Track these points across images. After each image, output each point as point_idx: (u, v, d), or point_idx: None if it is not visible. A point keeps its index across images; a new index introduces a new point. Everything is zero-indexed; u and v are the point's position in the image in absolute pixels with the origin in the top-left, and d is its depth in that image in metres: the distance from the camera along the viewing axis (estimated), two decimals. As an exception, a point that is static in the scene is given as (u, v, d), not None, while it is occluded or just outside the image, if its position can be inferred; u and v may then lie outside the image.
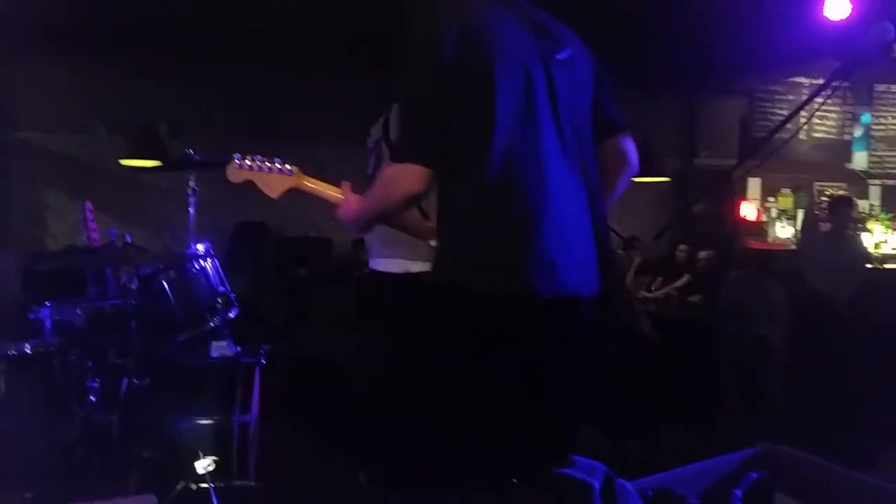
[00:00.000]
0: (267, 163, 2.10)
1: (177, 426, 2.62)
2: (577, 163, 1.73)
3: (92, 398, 2.73)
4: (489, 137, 1.60)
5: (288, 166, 2.12)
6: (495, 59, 1.62)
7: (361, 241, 5.87)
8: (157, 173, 5.80)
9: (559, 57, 1.75)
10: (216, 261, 3.17)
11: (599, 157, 1.89)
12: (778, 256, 6.40)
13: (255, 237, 6.18)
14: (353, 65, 6.01)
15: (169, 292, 2.88)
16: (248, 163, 2.10)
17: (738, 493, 1.04)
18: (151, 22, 5.29)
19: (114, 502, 1.64)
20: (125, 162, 5.36)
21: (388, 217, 1.88)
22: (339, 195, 2.06)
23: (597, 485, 0.95)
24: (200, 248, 3.16)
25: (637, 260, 6.15)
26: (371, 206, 1.81)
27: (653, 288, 6.09)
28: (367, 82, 5.98)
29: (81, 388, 2.70)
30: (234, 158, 2.11)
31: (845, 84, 7.65)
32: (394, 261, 2.74)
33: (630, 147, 1.94)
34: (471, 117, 1.62)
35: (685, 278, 5.93)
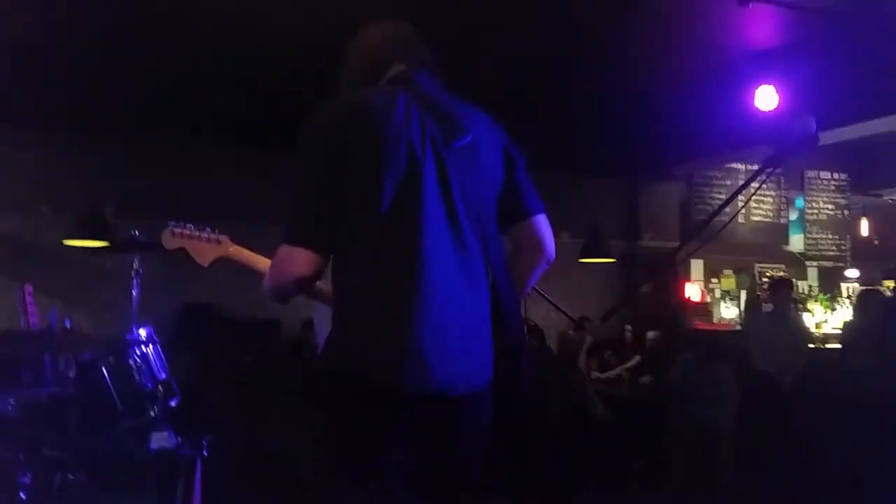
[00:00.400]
0: (198, 231, 2.16)
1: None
2: (474, 252, 1.69)
3: (22, 495, 2.57)
4: (371, 226, 1.59)
5: (217, 235, 2.17)
6: (383, 147, 1.61)
7: (311, 322, 5.80)
8: (103, 254, 5.69)
9: (457, 145, 1.71)
10: (157, 346, 3.09)
11: (512, 242, 1.86)
12: (724, 337, 6.52)
13: (201, 320, 6.06)
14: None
15: (108, 380, 2.78)
16: (182, 230, 2.16)
17: None
18: (99, 99, 5.28)
19: None
20: (69, 242, 5.25)
21: (289, 295, 1.79)
22: (264, 264, 2.05)
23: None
24: (142, 332, 3.07)
25: (589, 340, 6.21)
26: (269, 285, 1.74)
27: (604, 368, 6.13)
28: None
29: (12, 485, 2.54)
30: (168, 226, 2.16)
31: (778, 170, 8.05)
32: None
33: (544, 229, 1.86)
34: (353, 205, 1.60)
35: (636, 359, 5.99)
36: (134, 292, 3.40)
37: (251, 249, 2.19)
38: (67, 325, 2.90)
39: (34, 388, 3.01)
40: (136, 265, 3.41)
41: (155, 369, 2.97)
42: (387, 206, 1.59)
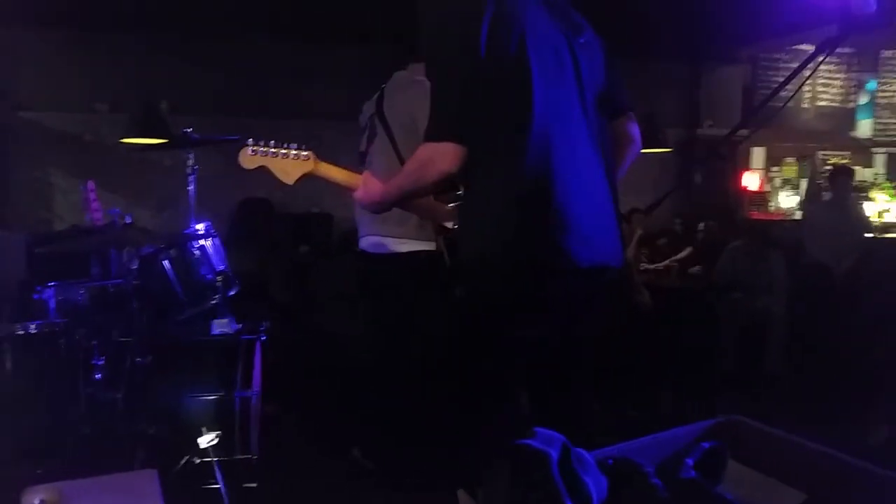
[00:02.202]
0: (282, 149, 2.09)
1: (180, 402, 2.68)
2: (598, 139, 1.80)
3: (97, 376, 2.78)
4: (526, 116, 1.63)
5: (304, 152, 2.10)
6: (528, 39, 1.65)
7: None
8: (161, 151, 5.84)
9: (581, 41, 1.83)
10: (217, 239, 3.21)
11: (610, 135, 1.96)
12: (780, 227, 6.38)
13: (258, 215, 6.22)
14: (350, 41, 5.99)
15: (170, 272, 2.93)
16: (263, 148, 2.09)
17: (690, 461, 1.09)
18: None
19: (115, 477, 1.70)
20: (127, 140, 5.39)
21: (416, 196, 1.91)
22: (354, 180, 2.08)
23: (555, 454, 1.00)
24: (200, 227, 3.19)
25: (638, 232, 6.16)
26: (404, 185, 1.81)
27: (654, 260, 6.11)
28: (361, 59, 6.00)
29: (87, 367, 2.75)
30: (247, 144, 2.10)
31: (850, 51, 7.59)
32: (384, 239, 2.78)
33: (634, 128, 2.03)
34: (506, 97, 1.65)
35: (687, 250, 5.94)
36: (190, 188, 3.50)
37: (310, 149, 2.13)
38: (128, 220, 3.03)
39: (101, 280, 3.18)
40: (190, 162, 3.49)
41: (214, 261, 3.10)
42: (539, 93, 1.65)
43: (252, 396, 2.77)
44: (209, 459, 2.57)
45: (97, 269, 3.42)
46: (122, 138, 5.43)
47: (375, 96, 2.91)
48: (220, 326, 3.00)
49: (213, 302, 3.04)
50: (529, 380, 1.89)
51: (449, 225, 2.21)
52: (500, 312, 1.71)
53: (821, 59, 2.16)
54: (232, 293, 3.19)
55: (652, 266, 5.95)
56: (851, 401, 3.87)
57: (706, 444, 1.12)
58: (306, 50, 6.38)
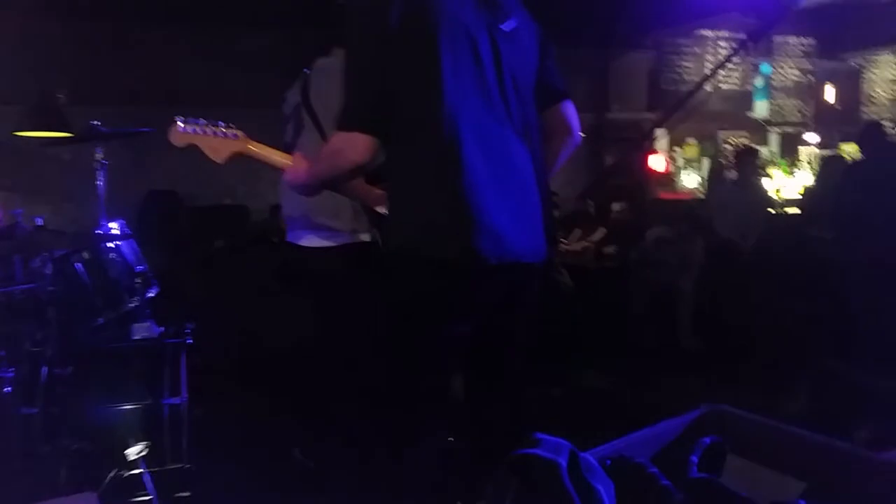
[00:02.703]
0: (211, 126, 2.06)
1: (104, 414, 2.54)
2: (521, 130, 1.76)
3: (7, 389, 2.60)
4: (435, 105, 1.60)
5: (234, 130, 2.07)
6: (440, 27, 1.61)
7: (279, 207, 5.75)
8: (59, 145, 5.50)
9: (504, 27, 1.76)
10: (131, 239, 3.06)
11: (543, 125, 1.91)
12: (688, 206, 6.64)
13: (167, 208, 5.97)
14: (266, 26, 5.80)
15: (84, 275, 2.77)
16: (192, 126, 2.06)
17: (694, 458, 1.09)
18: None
19: (50, 503, 1.59)
20: (20, 133, 5.03)
21: (336, 185, 1.88)
22: (285, 160, 2.05)
23: (564, 462, 0.98)
24: (114, 226, 3.03)
25: (555, 214, 6.28)
26: (318, 174, 1.80)
27: (570, 240, 6.24)
28: (278, 44, 5.82)
29: (-4, 381, 2.57)
30: (176, 121, 2.05)
31: (744, 37, 7.96)
32: (317, 231, 2.71)
33: (571, 114, 1.97)
34: (416, 86, 1.62)
35: (601, 232, 6.10)
36: (100, 184, 3.31)
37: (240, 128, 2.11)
38: (39, 222, 2.84)
39: (5, 286, 2.97)
40: (99, 157, 3.30)
41: (131, 261, 2.96)
42: (449, 84, 1.60)
43: (181, 403, 2.65)
44: (139, 471, 2.45)
45: (1, 274, 3.19)
46: (15, 131, 5.07)
47: (299, 84, 2.80)
48: (142, 331, 2.86)
49: (132, 305, 2.90)
50: (456, 373, 1.88)
51: (382, 211, 2.19)
52: (416, 308, 1.70)
53: (748, 46, 2.23)
54: (151, 295, 3.05)
55: (569, 247, 6.08)
56: (763, 370, 4.08)
57: (707, 440, 1.12)
58: (217, 36, 6.14)
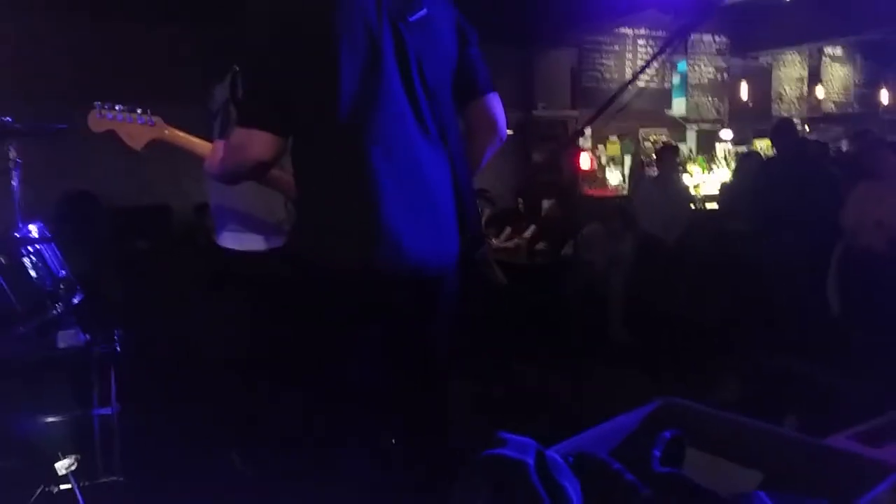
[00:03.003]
0: (129, 112, 2.06)
1: (30, 427, 2.41)
2: (434, 127, 1.68)
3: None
4: (332, 105, 1.54)
5: (150, 117, 2.08)
6: (338, 23, 1.54)
7: (206, 206, 5.58)
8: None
9: (412, 19, 1.66)
10: (51, 242, 2.90)
11: (465, 120, 1.85)
12: (617, 202, 6.80)
13: (84, 208, 5.69)
14: (186, 18, 5.62)
15: (2, 281, 2.61)
16: (110, 112, 2.06)
17: (657, 452, 1.11)
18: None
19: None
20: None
21: (241, 179, 1.80)
22: (204, 147, 2.04)
23: (531, 462, 0.98)
24: (33, 228, 2.87)
25: (486, 212, 6.33)
26: (225, 168, 1.72)
27: (502, 238, 6.31)
28: (197, 39, 5.63)
29: None
30: (94, 106, 2.06)
31: (663, 34, 8.21)
32: (245, 234, 2.65)
33: (496, 108, 1.86)
34: (314, 84, 1.56)
35: (531, 229, 6.19)
36: (14, 184, 3.13)
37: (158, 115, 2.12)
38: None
39: None
40: (12, 155, 3.12)
41: (52, 266, 2.80)
42: (347, 84, 1.54)
43: (112, 413, 2.54)
44: (69, 486, 2.33)
45: None
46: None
47: (228, 80, 2.74)
48: (67, 339, 2.72)
49: (56, 312, 2.76)
50: (378, 381, 1.83)
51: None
52: (319, 312, 1.66)
53: (673, 43, 2.24)
54: (76, 301, 2.90)
55: (502, 244, 6.14)
56: (692, 361, 4.23)
57: (668, 434, 1.14)
58: (133, 29, 5.90)
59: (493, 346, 4.42)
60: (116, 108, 2.07)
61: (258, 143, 1.57)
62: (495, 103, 1.87)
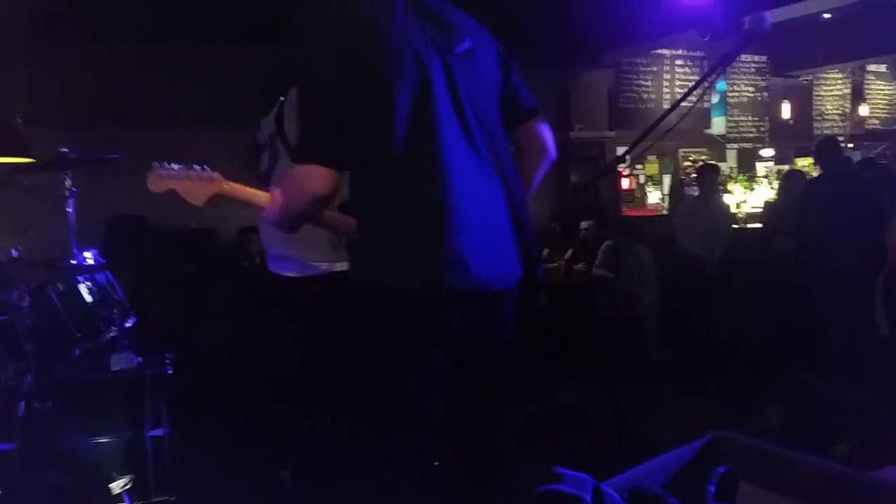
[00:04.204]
0: (187, 170, 2.08)
1: (85, 447, 2.48)
2: (487, 154, 1.72)
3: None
4: (389, 138, 1.59)
5: (208, 172, 2.09)
6: (389, 57, 1.59)
7: (250, 229, 5.70)
8: (25, 172, 5.35)
9: (457, 50, 1.72)
10: (106, 268, 3.01)
11: (515, 144, 1.90)
12: (651, 221, 6.78)
13: (132, 233, 5.85)
14: (228, 42, 5.76)
15: (59, 306, 2.71)
16: (168, 171, 2.09)
17: (711, 487, 1.11)
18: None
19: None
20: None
21: (306, 218, 1.86)
22: (262, 198, 2.06)
23: (588, 497, 0.99)
24: (88, 255, 2.98)
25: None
26: (286, 208, 1.77)
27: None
28: (244, 61, 5.77)
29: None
30: (154, 167, 2.08)
31: (700, 55, 8.17)
32: (293, 262, 2.70)
33: (544, 131, 1.93)
34: (369, 117, 1.60)
35: (568, 252, 6.19)
36: (70, 212, 3.24)
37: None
38: (14, 254, 2.76)
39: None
40: (68, 184, 3.24)
41: (106, 291, 2.91)
42: (402, 115, 1.59)
43: (164, 434, 2.61)
44: (123, 505, 2.40)
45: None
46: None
47: (274, 112, 2.80)
48: (120, 361, 2.81)
49: (110, 336, 2.85)
50: (436, 401, 1.87)
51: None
52: (386, 336, 1.69)
53: (718, 69, 2.24)
54: (129, 324, 3.00)
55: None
56: (735, 383, 4.17)
57: (722, 469, 1.14)
58: (177, 51, 6.06)
59: (532, 365, 4.41)
60: (174, 166, 2.10)
61: (317, 177, 1.62)
62: (543, 126, 1.93)
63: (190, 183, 2.08)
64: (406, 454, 1.77)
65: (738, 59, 8.55)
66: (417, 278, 1.61)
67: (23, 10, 4.97)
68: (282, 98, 2.79)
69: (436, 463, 2.11)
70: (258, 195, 2.11)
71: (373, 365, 1.74)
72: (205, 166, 2.12)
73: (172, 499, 2.54)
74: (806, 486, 1.20)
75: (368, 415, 1.80)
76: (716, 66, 2.20)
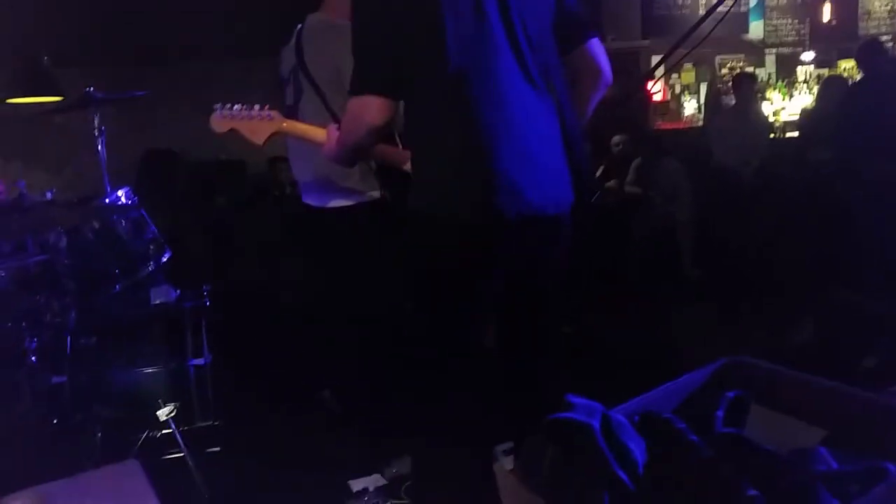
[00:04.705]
0: (248, 110, 2.16)
1: (131, 379, 2.60)
2: (539, 77, 1.72)
3: (32, 359, 2.65)
4: (441, 62, 1.59)
5: (267, 111, 2.16)
6: None
7: (279, 159, 5.71)
8: (53, 112, 5.40)
9: None
10: (139, 206, 3.06)
11: (570, 68, 1.87)
12: (686, 135, 6.61)
13: (165, 168, 5.90)
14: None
15: (97, 244, 2.78)
16: (230, 111, 2.17)
17: (720, 413, 1.12)
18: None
19: (96, 473, 1.63)
20: (14, 100, 4.93)
21: (362, 150, 1.89)
22: (321, 135, 2.10)
23: (597, 424, 1.01)
24: (121, 193, 3.02)
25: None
26: (344, 142, 1.80)
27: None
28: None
29: (21, 353, 2.61)
30: (215, 109, 2.18)
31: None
32: (326, 192, 2.70)
33: (599, 52, 1.89)
34: (420, 43, 1.61)
35: (600, 169, 6.10)
36: (101, 151, 3.29)
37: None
38: (49, 196, 2.82)
39: (14, 259, 2.98)
40: (97, 122, 3.27)
41: (141, 227, 2.96)
42: (454, 40, 1.58)
43: (205, 363, 2.71)
44: (170, 431, 2.52)
45: (7, 247, 3.18)
46: (7, 99, 4.96)
47: (293, 42, 2.75)
48: (159, 295, 2.89)
49: (148, 271, 2.92)
50: (488, 325, 1.89)
51: (406, 167, 2.19)
52: (441, 265, 1.72)
53: None
54: (165, 259, 3.06)
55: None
56: (768, 299, 4.14)
57: (731, 394, 1.15)
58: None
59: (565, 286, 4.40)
60: (234, 107, 2.16)
61: (372, 108, 1.64)
62: (598, 47, 1.89)
63: (251, 123, 2.16)
64: (458, 378, 1.81)
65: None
66: (472, 205, 1.63)
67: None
68: (299, 25, 2.74)
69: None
70: (316, 131, 2.16)
71: (428, 290, 1.78)
72: (264, 105, 2.19)
73: (217, 423, 2.66)
74: (818, 409, 1.20)
75: (421, 340, 1.84)
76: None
